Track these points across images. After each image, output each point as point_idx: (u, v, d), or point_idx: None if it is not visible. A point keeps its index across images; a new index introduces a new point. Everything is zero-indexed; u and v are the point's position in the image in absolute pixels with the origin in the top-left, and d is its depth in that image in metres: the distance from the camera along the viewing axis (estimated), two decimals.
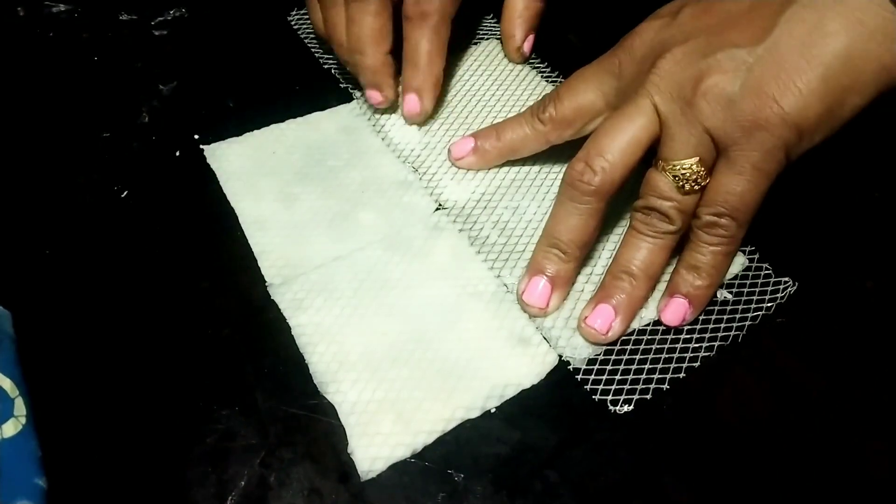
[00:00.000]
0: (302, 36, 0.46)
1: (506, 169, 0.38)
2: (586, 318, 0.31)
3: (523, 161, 0.38)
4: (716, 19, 0.30)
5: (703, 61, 0.28)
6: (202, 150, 0.38)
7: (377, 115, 0.40)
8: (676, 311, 0.31)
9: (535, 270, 0.32)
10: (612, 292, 0.31)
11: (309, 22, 0.46)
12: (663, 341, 0.31)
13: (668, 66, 0.29)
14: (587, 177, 0.30)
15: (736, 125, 0.28)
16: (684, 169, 0.29)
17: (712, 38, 0.29)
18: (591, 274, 0.33)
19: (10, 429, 0.26)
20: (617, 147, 0.30)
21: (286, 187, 0.37)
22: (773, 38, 0.28)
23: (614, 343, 0.31)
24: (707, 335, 0.31)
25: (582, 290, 0.33)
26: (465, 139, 0.37)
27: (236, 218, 0.36)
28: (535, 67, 0.44)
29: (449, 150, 0.38)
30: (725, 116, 0.28)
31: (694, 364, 0.31)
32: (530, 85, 0.42)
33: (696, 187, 0.29)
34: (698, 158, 0.29)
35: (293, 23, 0.47)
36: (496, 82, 0.42)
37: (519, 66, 0.43)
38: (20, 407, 0.27)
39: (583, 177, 0.30)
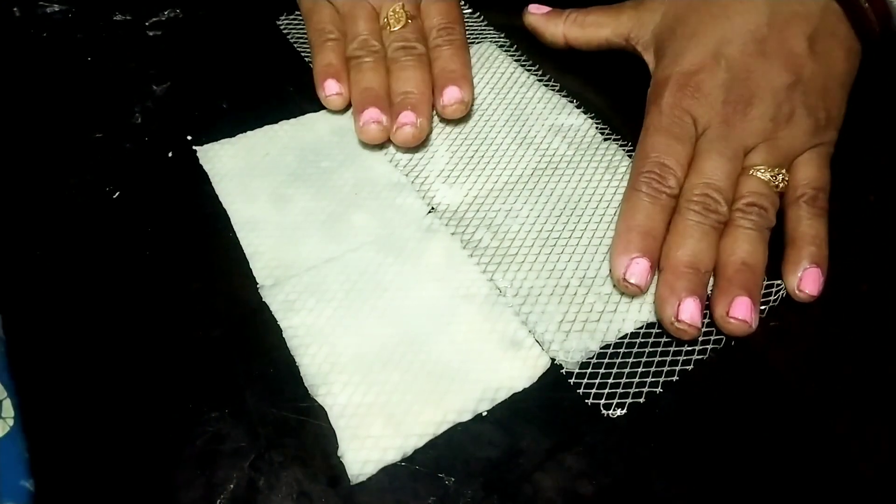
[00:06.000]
0: (292, 41, 0.45)
1: (498, 172, 0.38)
2: (728, 312, 0.31)
3: (516, 164, 0.38)
4: (763, 56, 0.36)
5: (784, 102, 0.35)
6: (195, 151, 0.38)
7: None
8: (816, 279, 0.33)
9: (684, 293, 0.31)
10: (742, 283, 0.32)
11: (299, 26, 0.46)
12: (656, 344, 0.31)
13: (756, 111, 0.35)
14: (713, 205, 0.33)
15: (815, 137, 0.36)
16: (778, 172, 0.35)
17: (775, 75, 0.35)
18: (583, 277, 0.33)
19: None
20: (728, 181, 0.34)
21: (279, 188, 0.37)
22: (813, 70, 0.36)
23: (607, 346, 0.31)
24: (700, 338, 0.31)
25: (574, 294, 0.32)
26: (636, 265, 0.32)
27: (229, 219, 0.35)
28: (527, 69, 0.43)
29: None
30: (807, 134, 0.35)
31: (687, 367, 0.30)
32: (524, 88, 0.42)
33: (783, 185, 0.35)
34: (785, 167, 0.35)
35: (283, 27, 0.46)
36: (488, 85, 0.42)
37: (512, 70, 0.43)
38: (8, 409, 0.27)
39: (709, 205, 0.33)
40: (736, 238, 0.33)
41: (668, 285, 0.32)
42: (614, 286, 0.33)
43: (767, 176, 0.34)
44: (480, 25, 0.47)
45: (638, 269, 0.32)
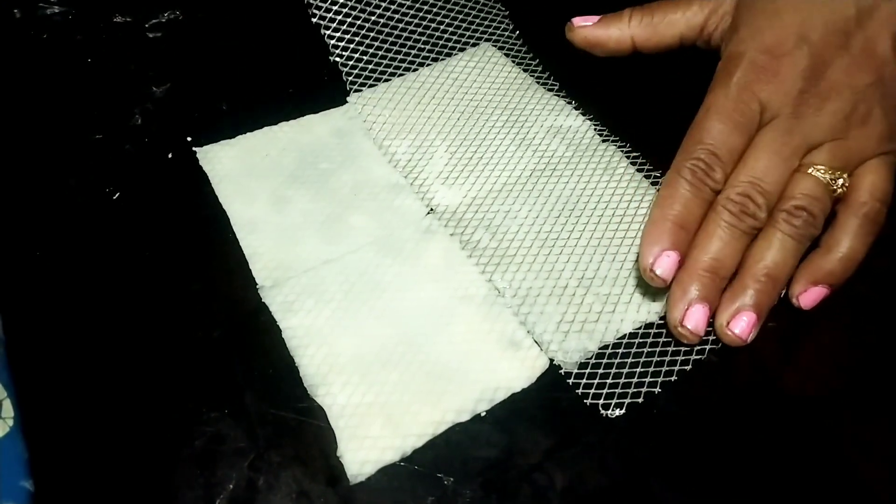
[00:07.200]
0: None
1: (497, 173, 0.38)
2: (728, 323, 0.30)
3: (514, 165, 0.38)
4: (846, 50, 0.33)
5: (861, 102, 0.33)
6: (195, 152, 0.38)
7: (370, 119, 0.40)
8: (816, 299, 0.32)
9: (695, 298, 0.31)
10: (756, 297, 0.31)
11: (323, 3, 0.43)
12: (654, 345, 0.31)
13: (832, 106, 0.33)
14: (752, 209, 0.31)
15: (888, 142, 0.33)
16: (839, 175, 0.32)
17: (856, 72, 0.33)
18: (582, 278, 0.33)
19: None
20: (777, 185, 0.32)
21: (278, 190, 0.37)
22: (894, 72, 0.33)
23: (606, 347, 0.31)
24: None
25: (573, 294, 0.32)
26: (665, 258, 0.31)
27: (228, 220, 0.35)
28: (525, 70, 0.43)
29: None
30: (880, 138, 0.33)
31: (686, 367, 0.31)
32: (522, 90, 0.42)
33: (842, 192, 0.33)
34: (848, 171, 0.33)
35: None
36: (492, 87, 0.42)
37: (511, 71, 0.43)
38: (8, 409, 0.27)
39: (748, 208, 0.31)
40: (770, 243, 0.31)
41: (681, 286, 0.31)
42: (638, 273, 0.32)
43: (827, 178, 0.32)
44: (483, 24, 0.46)
45: (667, 263, 0.31)
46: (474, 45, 0.45)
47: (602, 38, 0.40)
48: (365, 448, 0.28)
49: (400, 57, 0.43)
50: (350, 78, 0.42)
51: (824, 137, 0.33)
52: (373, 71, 0.42)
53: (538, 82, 0.43)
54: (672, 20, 0.39)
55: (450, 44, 0.44)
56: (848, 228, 0.32)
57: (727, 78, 0.34)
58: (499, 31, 0.46)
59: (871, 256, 0.33)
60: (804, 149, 0.32)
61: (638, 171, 0.38)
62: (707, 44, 0.38)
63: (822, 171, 0.32)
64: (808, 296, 0.32)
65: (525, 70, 0.44)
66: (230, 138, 0.39)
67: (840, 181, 0.32)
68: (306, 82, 0.43)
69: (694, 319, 0.30)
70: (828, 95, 0.33)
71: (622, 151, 0.39)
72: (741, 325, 0.30)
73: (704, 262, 0.31)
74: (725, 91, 0.33)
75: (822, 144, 0.33)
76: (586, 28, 0.41)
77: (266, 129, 0.40)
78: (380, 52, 0.43)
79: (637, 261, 0.33)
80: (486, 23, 0.46)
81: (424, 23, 0.45)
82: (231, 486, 0.27)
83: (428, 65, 0.43)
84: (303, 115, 0.41)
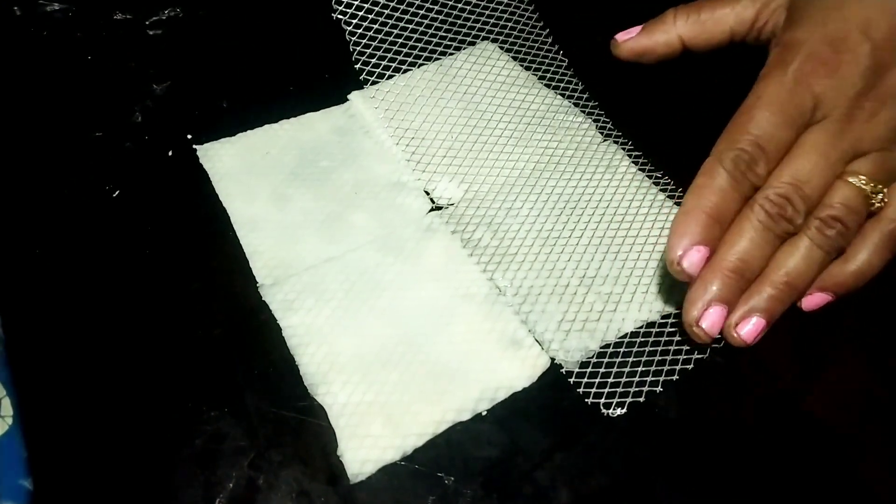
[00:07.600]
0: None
1: (498, 167, 0.37)
2: (737, 324, 0.30)
3: (514, 162, 0.38)
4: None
5: None
6: (195, 150, 0.38)
7: (386, 113, 0.39)
8: (818, 304, 0.31)
9: (715, 298, 0.30)
10: (771, 304, 0.30)
11: None
12: (656, 344, 0.31)
13: (886, 114, 0.31)
14: (790, 213, 0.30)
15: None
16: (879, 190, 0.31)
17: None
18: (583, 276, 0.33)
19: None
20: (820, 190, 0.30)
21: (279, 188, 0.37)
22: None
23: (607, 346, 0.31)
24: None
25: (574, 293, 0.32)
26: (695, 253, 0.29)
27: (229, 218, 0.35)
28: (526, 68, 0.43)
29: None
30: None
31: (687, 367, 0.30)
32: (524, 87, 0.42)
33: (879, 207, 0.31)
34: (888, 186, 0.31)
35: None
36: (494, 84, 0.42)
37: (512, 69, 0.43)
38: (7, 408, 0.27)
39: (786, 212, 0.30)
40: (797, 250, 0.30)
41: (704, 283, 0.30)
42: (640, 271, 0.32)
43: (867, 189, 0.30)
44: (481, 21, 0.46)
45: (695, 258, 0.29)
46: (485, 39, 0.44)
47: (650, 46, 0.39)
48: (365, 447, 0.28)
49: (405, 52, 0.42)
50: (367, 68, 0.41)
51: (872, 146, 0.31)
52: (378, 65, 0.41)
53: (538, 78, 0.42)
54: (721, 16, 0.37)
55: (459, 38, 0.44)
56: (869, 242, 0.31)
57: (783, 66, 0.31)
58: (518, 15, 0.45)
59: (891, 266, 0.32)
60: (851, 155, 0.31)
61: (640, 169, 0.38)
62: (757, 39, 0.36)
63: (864, 182, 0.30)
64: (812, 300, 0.31)
65: (542, 62, 0.43)
66: (230, 136, 0.39)
67: (880, 195, 0.31)
68: (307, 80, 0.43)
69: (710, 320, 0.30)
70: (883, 102, 0.31)
71: (624, 150, 0.39)
72: (748, 328, 0.30)
73: (731, 261, 0.29)
74: (781, 79, 0.31)
75: (869, 153, 0.31)
76: (631, 40, 0.39)
77: (266, 126, 0.40)
78: (385, 45, 0.42)
79: (639, 257, 0.33)
80: (504, 14, 0.45)
81: (428, 20, 0.44)
82: (231, 485, 0.27)
83: (431, 62, 0.43)
84: (303, 113, 0.40)
